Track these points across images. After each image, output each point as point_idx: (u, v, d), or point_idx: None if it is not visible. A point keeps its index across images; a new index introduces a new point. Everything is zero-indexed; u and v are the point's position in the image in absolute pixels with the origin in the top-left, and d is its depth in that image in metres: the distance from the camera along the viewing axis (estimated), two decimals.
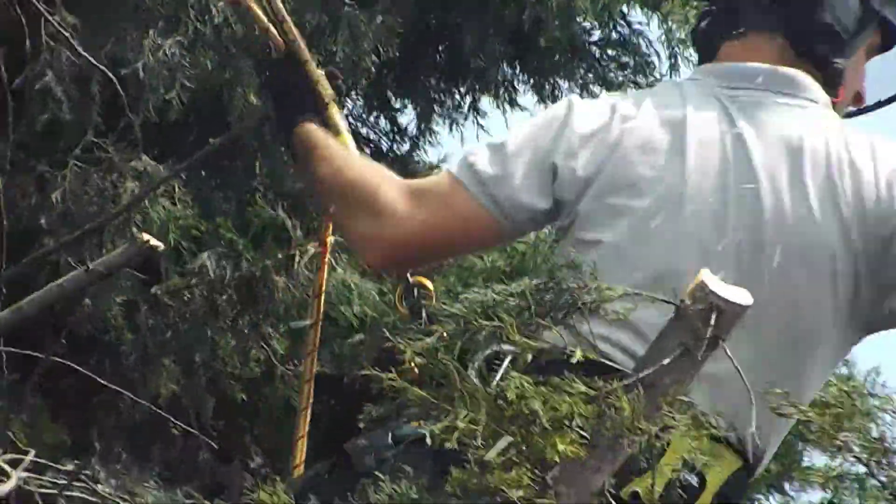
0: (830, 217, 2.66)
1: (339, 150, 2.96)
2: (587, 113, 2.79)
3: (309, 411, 3.43)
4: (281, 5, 3.11)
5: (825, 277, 2.66)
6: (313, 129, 2.94)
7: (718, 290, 2.06)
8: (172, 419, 4.08)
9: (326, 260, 3.43)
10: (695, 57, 3.38)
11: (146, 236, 3.46)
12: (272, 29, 3.10)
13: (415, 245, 2.81)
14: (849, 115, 3.04)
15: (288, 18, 3.13)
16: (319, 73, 3.07)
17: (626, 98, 2.89)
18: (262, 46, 3.19)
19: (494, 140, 2.85)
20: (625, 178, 2.71)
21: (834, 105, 2.84)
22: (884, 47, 2.92)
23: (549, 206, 2.75)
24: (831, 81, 2.83)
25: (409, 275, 3.11)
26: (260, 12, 3.12)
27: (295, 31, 3.12)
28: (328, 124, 3.00)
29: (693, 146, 2.72)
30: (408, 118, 5.62)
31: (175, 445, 4.30)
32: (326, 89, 3.06)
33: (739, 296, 2.08)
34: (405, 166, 5.63)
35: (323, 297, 3.43)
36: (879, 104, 3.12)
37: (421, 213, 2.78)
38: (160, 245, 3.49)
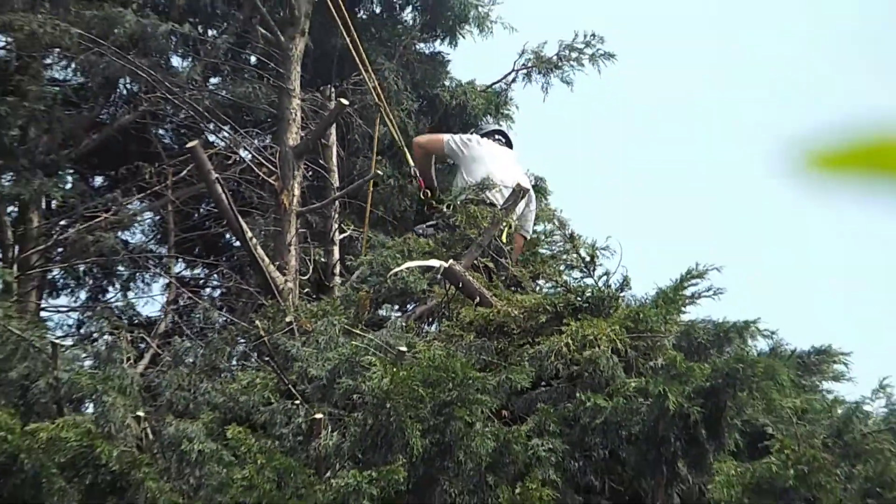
0: (518, 175, 6.22)
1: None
2: (472, 137, 6.47)
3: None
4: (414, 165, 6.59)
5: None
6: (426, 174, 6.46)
7: (524, 183, 5.59)
8: None
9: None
10: None
11: None
12: (419, 177, 6.49)
13: (422, 145, 6.40)
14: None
15: (418, 175, 6.55)
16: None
17: (480, 136, 6.60)
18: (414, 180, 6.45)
19: (454, 135, 6.48)
20: (478, 154, 6.30)
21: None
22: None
23: (461, 155, 6.30)
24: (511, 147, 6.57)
25: (427, 189, 6.53)
26: (417, 171, 6.53)
27: (422, 180, 6.53)
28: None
29: (492, 149, 6.37)
30: None
31: None
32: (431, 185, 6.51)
33: (529, 186, 5.60)
34: None
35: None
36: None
37: (424, 139, 6.45)
38: None
